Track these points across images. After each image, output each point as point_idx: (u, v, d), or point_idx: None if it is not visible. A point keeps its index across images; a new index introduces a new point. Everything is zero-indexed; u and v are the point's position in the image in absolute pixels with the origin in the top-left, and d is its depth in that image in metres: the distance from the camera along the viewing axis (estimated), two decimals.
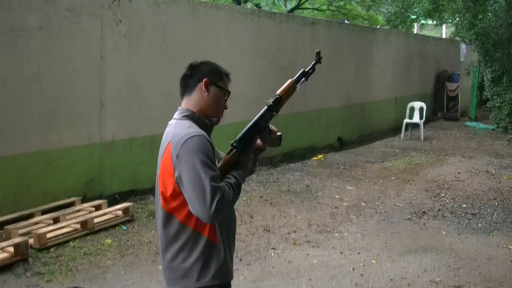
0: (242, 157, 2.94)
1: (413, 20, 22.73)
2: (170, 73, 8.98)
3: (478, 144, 14.90)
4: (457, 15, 18.18)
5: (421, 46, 19.93)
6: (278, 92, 3.10)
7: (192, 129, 2.77)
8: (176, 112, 2.97)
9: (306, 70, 3.22)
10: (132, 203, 8.03)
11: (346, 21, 18.56)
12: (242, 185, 2.91)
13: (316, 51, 3.29)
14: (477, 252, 6.74)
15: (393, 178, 10.71)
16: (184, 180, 2.67)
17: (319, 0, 24.01)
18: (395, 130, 17.31)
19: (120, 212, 7.65)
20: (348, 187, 9.91)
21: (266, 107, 3.05)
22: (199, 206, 2.63)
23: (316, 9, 25.64)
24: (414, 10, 20.58)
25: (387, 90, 17.53)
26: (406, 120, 15.90)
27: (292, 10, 24.75)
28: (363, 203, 8.90)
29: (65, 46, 7.63)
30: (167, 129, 2.90)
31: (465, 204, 8.83)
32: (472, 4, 16.50)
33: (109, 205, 7.93)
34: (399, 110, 17.51)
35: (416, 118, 15.90)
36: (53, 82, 7.50)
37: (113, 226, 7.42)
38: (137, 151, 8.77)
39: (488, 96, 17.28)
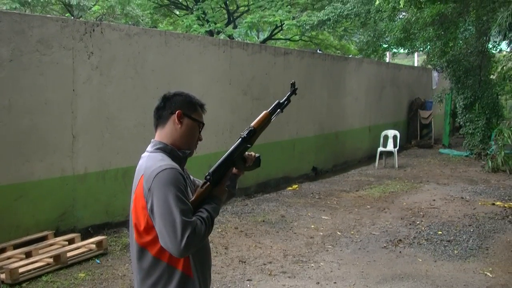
0: (216, 189, 2.91)
1: (385, 49, 23.01)
2: (143, 104, 8.95)
3: (452, 171, 15.01)
4: (429, 43, 18.50)
5: (394, 75, 20.12)
6: (252, 124, 3.07)
7: (164, 162, 2.75)
8: (149, 145, 2.95)
9: (281, 101, 3.18)
10: (106, 236, 7.93)
11: (318, 51, 18.69)
12: (217, 216, 2.88)
13: (291, 82, 3.27)
14: (454, 279, 6.74)
15: (368, 206, 10.72)
16: (155, 213, 2.65)
17: (291, 30, 24.16)
18: (370, 158, 17.39)
19: (93, 246, 7.53)
20: (323, 217, 9.89)
21: (240, 139, 3.03)
22: (170, 240, 2.60)
23: (289, 39, 25.82)
24: (386, 39, 20.82)
25: (361, 118, 17.63)
26: (380, 149, 15.97)
27: (265, 41, 24.90)
28: (338, 232, 8.87)
29: (36, 78, 7.57)
30: (140, 162, 2.88)
31: (440, 231, 8.85)
32: (443, 32, 16.80)
33: (83, 238, 7.82)
34: (373, 139, 17.62)
35: (390, 146, 15.97)
36: (24, 114, 7.42)
37: (87, 260, 7.30)
38: (110, 183, 8.68)
39: (461, 123, 17.55)
